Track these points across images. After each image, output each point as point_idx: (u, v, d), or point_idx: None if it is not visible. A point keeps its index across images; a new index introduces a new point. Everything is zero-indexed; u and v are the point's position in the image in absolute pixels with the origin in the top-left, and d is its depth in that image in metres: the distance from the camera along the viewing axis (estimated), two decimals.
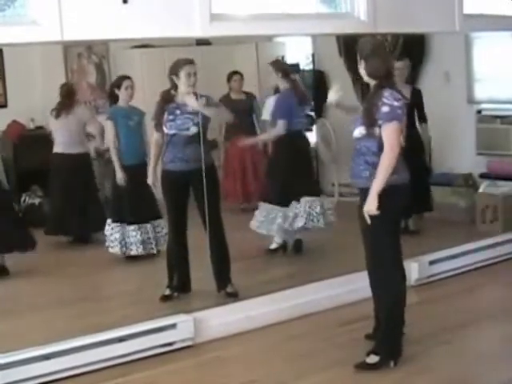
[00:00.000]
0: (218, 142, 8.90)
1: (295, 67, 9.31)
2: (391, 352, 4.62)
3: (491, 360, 4.75)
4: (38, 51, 8.64)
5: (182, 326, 5.11)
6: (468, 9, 6.43)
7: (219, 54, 9.58)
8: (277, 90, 7.27)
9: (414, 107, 6.93)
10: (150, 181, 6.08)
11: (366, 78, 4.57)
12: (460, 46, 8.28)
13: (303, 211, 6.78)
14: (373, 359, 4.60)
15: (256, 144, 8.75)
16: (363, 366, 4.60)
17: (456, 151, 8.47)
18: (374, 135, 4.42)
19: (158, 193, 6.17)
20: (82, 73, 9.58)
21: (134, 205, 6.99)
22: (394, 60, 5.00)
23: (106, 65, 9.72)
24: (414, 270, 6.13)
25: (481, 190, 7.83)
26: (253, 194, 8.64)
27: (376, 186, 4.37)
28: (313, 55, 9.77)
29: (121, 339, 4.90)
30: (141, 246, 7.01)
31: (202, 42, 9.20)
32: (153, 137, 5.96)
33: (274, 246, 7.07)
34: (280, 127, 6.69)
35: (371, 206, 4.38)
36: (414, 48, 8.37)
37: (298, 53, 10.20)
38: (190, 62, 5.66)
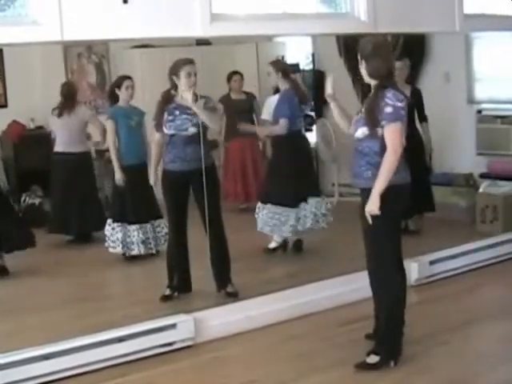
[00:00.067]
0: (219, 142, 8.90)
1: (295, 67, 9.31)
2: (391, 352, 4.62)
3: (491, 360, 4.76)
4: (37, 51, 8.64)
5: (182, 326, 5.11)
6: (468, 9, 6.43)
7: (219, 54, 9.59)
8: (277, 90, 7.27)
9: (414, 107, 6.93)
10: (151, 181, 6.10)
11: (366, 78, 4.56)
12: (460, 45, 8.28)
13: (309, 212, 6.81)
14: (373, 359, 4.60)
15: (256, 143, 8.78)
16: (363, 366, 4.60)
17: (456, 151, 8.47)
18: (377, 136, 4.42)
19: (159, 193, 6.17)
20: (82, 73, 9.58)
21: (135, 204, 6.99)
22: (394, 60, 4.98)
23: (106, 65, 9.72)
24: (413, 270, 6.13)
25: (481, 190, 7.82)
26: (253, 193, 8.64)
27: (378, 187, 4.37)
28: (313, 55, 9.78)
29: (121, 339, 4.90)
30: (142, 246, 7.02)
31: (202, 42, 9.20)
32: (153, 137, 5.97)
33: (273, 245, 7.06)
34: (282, 126, 6.69)
35: (373, 206, 4.38)
36: (414, 48, 8.37)
37: (298, 53, 10.20)
38: (190, 61, 5.66)
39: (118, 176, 6.98)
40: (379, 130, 4.40)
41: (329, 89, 4.78)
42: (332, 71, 9.34)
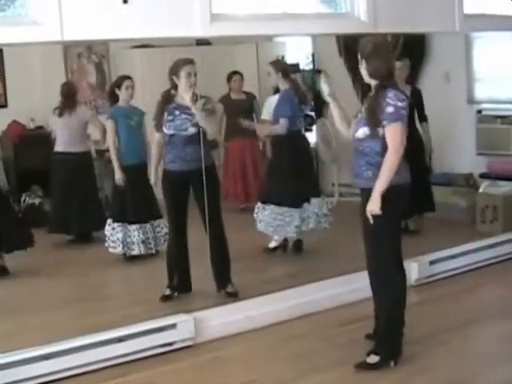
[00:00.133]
0: (219, 142, 8.90)
1: (295, 67, 9.31)
2: (391, 352, 4.62)
3: (491, 360, 4.76)
4: (38, 51, 8.64)
5: (182, 326, 5.11)
6: (468, 9, 6.43)
7: (219, 54, 9.59)
8: (277, 90, 7.27)
9: (414, 107, 6.93)
10: (152, 181, 6.10)
11: (366, 78, 4.56)
12: (460, 46, 8.29)
13: (312, 212, 6.82)
14: (373, 359, 4.60)
15: (256, 143, 8.78)
16: (363, 366, 4.60)
17: (456, 151, 8.47)
18: (378, 136, 4.41)
19: (159, 193, 6.18)
20: (82, 73, 9.58)
21: (135, 204, 7.00)
22: (394, 60, 4.98)
23: (106, 65, 9.72)
24: (413, 270, 6.13)
25: (481, 190, 7.82)
26: (253, 193, 8.64)
27: (379, 187, 4.37)
28: (313, 55, 9.78)
29: (120, 339, 4.90)
30: (142, 246, 7.02)
31: (202, 42, 9.20)
32: (153, 137, 5.97)
33: (273, 244, 7.06)
34: (282, 125, 6.69)
35: (374, 206, 4.38)
36: (414, 48, 8.37)
37: (298, 53, 10.20)
38: (190, 61, 5.66)
39: (118, 176, 6.98)
40: (380, 130, 4.40)
41: (326, 89, 4.78)
42: (332, 71, 9.37)
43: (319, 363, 4.78)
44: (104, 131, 7.38)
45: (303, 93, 7.01)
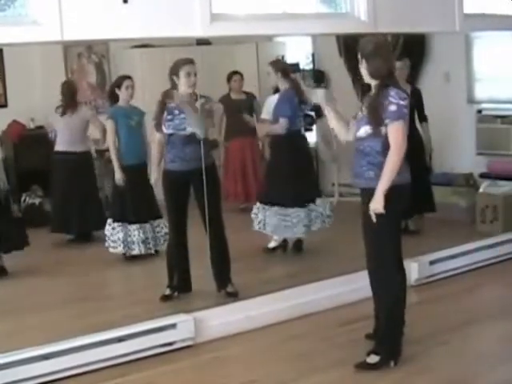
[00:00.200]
0: (219, 141, 8.89)
1: (295, 67, 9.31)
2: (391, 352, 4.62)
3: (491, 360, 4.76)
4: (37, 51, 8.64)
5: (182, 326, 5.11)
6: (468, 9, 6.43)
7: (219, 54, 9.59)
8: (277, 90, 7.27)
9: (414, 107, 6.93)
10: (153, 179, 6.10)
11: (367, 78, 4.56)
12: (460, 46, 8.29)
13: (318, 212, 6.87)
14: (373, 359, 4.60)
15: (256, 143, 8.77)
16: (363, 366, 4.60)
17: (456, 151, 8.47)
18: (380, 134, 4.42)
19: (159, 193, 6.17)
20: (82, 73, 9.58)
21: (135, 204, 7.00)
22: (395, 60, 4.98)
23: (106, 65, 9.72)
24: (413, 270, 6.13)
25: (481, 190, 7.82)
26: (253, 193, 8.63)
27: (382, 185, 4.37)
28: (313, 55, 9.79)
29: (120, 339, 4.90)
30: (142, 246, 7.03)
31: (202, 42, 9.20)
32: (153, 136, 5.97)
33: (272, 244, 7.06)
34: (282, 125, 6.69)
35: (377, 205, 4.38)
36: (414, 48, 8.37)
37: (298, 53, 10.20)
38: (190, 61, 5.66)
39: (118, 176, 6.99)
40: (383, 129, 4.40)
41: (322, 99, 4.79)
42: (332, 71, 9.46)
43: (319, 363, 4.78)
44: (104, 131, 7.39)
45: (303, 92, 7.00)
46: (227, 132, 8.75)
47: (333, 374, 4.61)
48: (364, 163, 4.52)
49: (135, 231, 7.00)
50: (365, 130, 4.48)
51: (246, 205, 8.72)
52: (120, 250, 7.02)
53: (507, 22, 6.84)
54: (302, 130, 7.13)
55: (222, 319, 5.32)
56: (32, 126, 9.08)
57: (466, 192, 8.11)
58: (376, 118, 4.41)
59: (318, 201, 6.90)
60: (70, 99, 7.69)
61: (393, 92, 4.41)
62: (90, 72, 9.67)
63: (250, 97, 9.02)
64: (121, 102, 7.03)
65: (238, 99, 8.87)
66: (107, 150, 7.39)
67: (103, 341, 4.84)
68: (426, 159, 7.50)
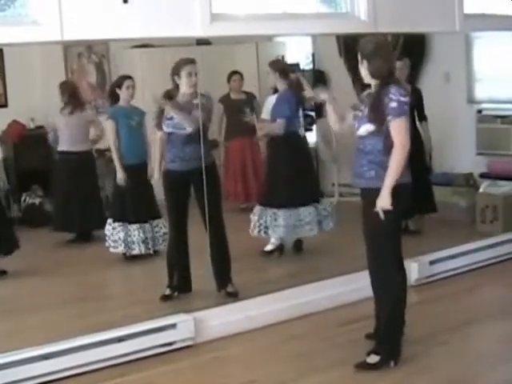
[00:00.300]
0: (219, 141, 8.90)
1: (295, 67, 9.31)
2: (391, 352, 4.62)
3: (491, 360, 4.76)
4: (37, 51, 8.62)
5: (182, 326, 5.11)
6: (468, 9, 6.43)
7: (219, 54, 9.57)
8: (276, 90, 7.27)
9: (415, 107, 6.93)
10: (155, 176, 6.10)
11: (367, 78, 4.56)
12: (460, 46, 8.28)
13: (327, 211, 6.93)
14: (373, 359, 4.60)
15: (256, 143, 8.76)
16: (363, 366, 4.60)
17: (456, 151, 8.47)
18: (382, 132, 4.41)
19: (159, 193, 6.18)
20: (82, 72, 9.57)
21: (136, 204, 7.01)
22: (395, 60, 4.97)
23: (106, 64, 9.71)
24: (413, 270, 6.13)
25: (481, 190, 7.82)
26: (253, 193, 8.63)
27: (388, 183, 4.37)
28: (313, 55, 9.77)
29: (120, 339, 4.90)
30: (142, 246, 7.03)
31: (203, 42, 9.18)
32: (153, 136, 5.99)
33: (269, 247, 7.04)
34: (279, 125, 6.69)
35: (384, 202, 4.38)
36: (414, 48, 8.36)
37: (298, 53, 10.19)
38: (191, 61, 5.67)
39: (120, 176, 6.99)
40: (383, 127, 4.40)
41: (325, 97, 4.78)
42: (332, 71, 9.46)
43: (319, 363, 4.78)
44: (101, 131, 7.41)
45: (302, 93, 7.01)
46: (227, 132, 8.82)
47: (333, 373, 4.61)
48: (365, 162, 4.51)
49: (135, 231, 7.00)
50: (366, 129, 4.48)
51: (246, 205, 8.71)
52: (121, 249, 7.03)
53: (507, 22, 6.84)
54: (302, 130, 7.13)
55: (222, 319, 5.32)
56: (32, 125, 9.06)
57: (465, 192, 8.11)
58: (377, 116, 4.41)
59: (324, 200, 6.95)
60: (75, 99, 7.74)
61: (393, 89, 4.41)
62: (90, 72, 9.66)
63: (250, 97, 9.02)
64: (121, 102, 7.03)
65: (238, 99, 8.87)
66: (107, 149, 7.40)
67: (103, 341, 4.84)
68: (426, 159, 7.50)
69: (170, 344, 5.07)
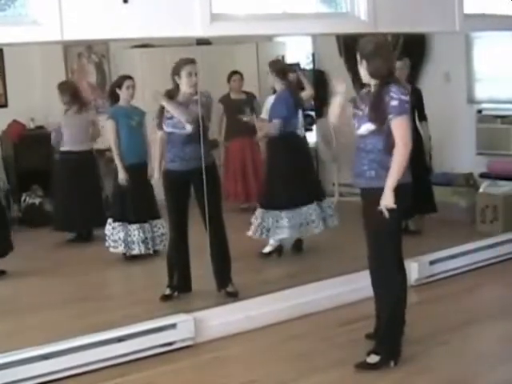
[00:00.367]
0: (219, 141, 8.90)
1: (296, 66, 9.31)
2: (391, 352, 4.62)
3: (491, 360, 4.76)
4: (37, 51, 8.63)
5: (182, 326, 5.11)
6: (468, 9, 6.43)
7: (219, 54, 9.58)
8: (276, 90, 7.27)
9: (415, 106, 6.93)
10: (155, 177, 6.11)
11: (366, 78, 4.55)
12: (460, 46, 8.28)
13: (330, 209, 6.96)
14: (373, 359, 4.60)
15: (256, 143, 8.76)
16: (363, 366, 4.60)
17: (456, 151, 8.47)
18: (383, 131, 4.41)
19: (159, 193, 6.18)
20: (82, 72, 9.58)
21: (136, 204, 7.01)
22: (395, 60, 4.97)
23: (106, 64, 9.72)
24: (413, 270, 6.13)
25: (481, 190, 7.82)
26: (253, 193, 8.64)
27: (391, 182, 4.36)
28: (313, 55, 9.77)
29: (120, 339, 4.90)
30: (142, 246, 7.03)
31: (203, 42, 9.19)
32: (153, 136, 6.00)
33: (268, 249, 7.03)
34: (275, 125, 6.71)
35: (388, 201, 4.38)
36: (414, 48, 8.36)
37: (298, 52, 10.19)
38: (191, 61, 5.68)
39: (122, 176, 6.99)
40: (384, 126, 4.40)
41: (341, 89, 4.73)
42: (332, 71, 9.45)
43: (319, 363, 4.78)
44: (98, 130, 7.45)
45: (300, 93, 7.01)
46: (227, 132, 8.83)
47: (333, 373, 4.61)
48: (365, 162, 4.50)
49: (135, 231, 7.01)
50: (366, 128, 4.47)
51: (246, 205, 8.73)
52: (120, 249, 7.03)
53: (507, 22, 6.84)
54: (301, 130, 7.13)
55: (222, 319, 5.32)
56: (32, 125, 9.07)
57: (466, 192, 8.11)
58: (378, 116, 4.40)
59: (326, 200, 7.00)
60: (78, 98, 7.81)
61: (394, 88, 4.41)
62: (90, 72, 9.67)
63: (250, 97, 9.02)
64: (121, 102, 7.03)
65: (238, 99, 8.87)
66: (107, 149, 7.41)
67: (103, 341, 4.84)
68: (427, 159, 7.50)
69: (170, 344, 5.07)
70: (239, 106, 8.62)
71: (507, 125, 8.08)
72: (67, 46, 9.15)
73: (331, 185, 9.35)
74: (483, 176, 8.14)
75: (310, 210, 6.81)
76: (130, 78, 7.05)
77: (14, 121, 8.92)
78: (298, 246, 7.10)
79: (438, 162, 8.21)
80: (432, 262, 6.32)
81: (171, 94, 5.73)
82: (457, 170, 8.32)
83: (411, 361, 4.66)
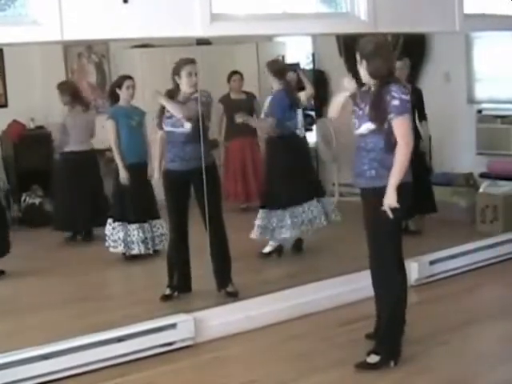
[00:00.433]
0: (219, 141, 8.90)
1: (296, 66, 9.31)
2: (391, 352, 4.62)
3: (491, 360, 4.76)
4: (37, 51, 8.62)
5: (182, 326, 5.11)
6: (468, 9, 6.43)
7: (219, 54, 9.57)
8: None
9: (415, 106, 6.92)
10: (155, 177, 6.11)
11: (365, 78, 4.55)
12: (460, 46, 8.28)
13: (331, 205, 7.01)
14: (373, 359, 4.60)
15: (256, 143, 8.77)
16: (363, 366, 4.60)
17: (456, 151, 8.47)
18: (383, 130, 4.41)
19: (159, 193, 6.18)
20: (82, 72, 9.58)
21: (136, 204, 7.01)
22: (395, 60, 4.96)
23: (106, 64, 9.71)
24: (413, 270, 6.13)
25: (481, 190, 7.82)
26: (253, 193, 8.64)
27: (393, 181, 4.36)
28: (313, 55, 9.77)
29: (120, 339, 4.90)
30: (142, 246, 7.03)
31: (203, 42, 9.17)
32: (153, 136, 6.01)
33: (267, 249, 7.03)
34: (268, 123, 6.75)
35: (391, 200, 4.37)
36: (414, 48, 8.36)
37: (298, 52, 10.20)
38: (191, 61, 5.69)
39: (123, 175, 6.99)
40: (385, 125, 4.39)
41: (351, 86, 4.70)
42: (332, 71, 9.45)
43: (319, 363, 4.78)
44: (93, 131, 7.64)
45: (296, 94, 7.02)
46: (227, 132, 8.82)
47: (333, 373, 4.61)
48: (366, 161, 4.50)
49: (135, 231, 7.01)
50: (366, 127, 4.47)
51: (246, 205, 8.73)
52: (120, 249, 7.03)
53: (507, 22, 6.84)
54: (301, 130, 7.13)
55: (222, 319, 5.32)
56: (32, 125, 9.06)
57: (466, 192, 8.11)
58: (379, 115, 4.40)
59: (324, 198, 7.02)
60: (80, 98, 7.85)
61: (394, 87, 4.41)
62: (90, 72, 9.66)
63: (250, 97, 9.02)
64: (121, 102, 7.04)
65: (238, 99, 8.87)
66: (107, 149, 7.42)
67: (103, 341, 4.84)
68: (427, 159, 7.50)
69: (170, 344, 5.07)
70: (239, 106, 8.60)
71: (507, 125, 8.08)
72: (67, 46, 9.14)
73: (331, 185, 9.35)
74: (483, 176, 8.14)
75: (312, 207, 6.82)
76: (129, 78, 7.05)
77: (14, 121, 8.91)
78: (298, 245, 7.10)
79: (438, 162, 8.21)
80: (432, 262, 6.33)
81: (171, 94, 5.74)
82: (457, 170, 8.32)
83: (411, 361, 4.66)
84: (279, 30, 5.99)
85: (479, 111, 8.36)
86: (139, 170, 6.99)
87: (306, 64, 9.98)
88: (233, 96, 8.92)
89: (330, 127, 8.97)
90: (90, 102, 8.03)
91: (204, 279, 5.85)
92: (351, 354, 4.75)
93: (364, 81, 4.58)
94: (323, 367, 4.71)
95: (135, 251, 7.03)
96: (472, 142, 8.32)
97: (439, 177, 8.16)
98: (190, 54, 6.00)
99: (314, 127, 9.37)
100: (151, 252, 7.09)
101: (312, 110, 8.92)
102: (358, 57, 4.55)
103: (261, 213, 6.91)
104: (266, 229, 6.85)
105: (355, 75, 4.73)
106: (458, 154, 8.46)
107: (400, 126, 4.39)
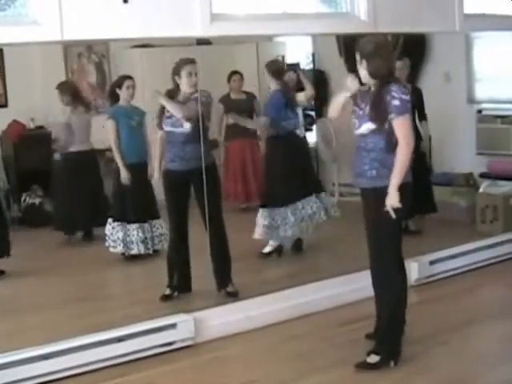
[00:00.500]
0: (219, 141, 8.91)
1: (296, 66, 9.31)
2: (391, 352, 4.62)
3: (491, 360, 4.76)
4: (37, 51, 8.63)
5: (182, 326, 5.11)
6: (468, 9, 6.43)
7: (220, 54, 9.57)
8: None
9: (415, 106, 6.92)
10: (155, 177, 6.12)
11: (365, 78, 4.55)
12: (460, 46, 8.28)
13: (329, 202, 7.06)
14: (373, 359, 4.60)
15: (256, 143, 8.77)
16: (363, 366, 4.60)
17: (456, 151, 8.47)
18: (383, 130, 4.41)
19: (159, 193, 6.18)
20: (82, 72, 9.58)
21: (136, 204, 7.02)
22: (395, 60, 4.96)
23: (106, 64, 9.71)
24: (413, 270, 6.13)
25: (481, 190, 7.82)
26: (253, 193, 8.64)
27: (395, 181, 4.36)
28: (313, 55, 9.77)
29: (120, 339, 4.90)
30: (141, 246, 7.03)
31: (203, 42, 9.18)
32: (153, 136, 6.01)
33: (267, 249, 7.03)
34: (262, 122, 6.82)
35: (393, 200, 4.37)
36: (414, 48, 8.36)
37: (298, 52, 10.20)
38: (191, 61, 5.69)
39: (124, 175, 6.99)
40: (386, 125, 4.39)
41: (354, 85, 4.69)
42: (332, 71, 9.45)
43: (319, 363, 4.78)
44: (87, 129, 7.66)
45: (293, 94, 7.03)
46: (227, 132, 8.82)
47: (333, 373, 4.61)
48: (366, 161, 4.50)
49: (134, 231, 7.01)
50: (367, 127, 4.47)
51: (246, 205, 8.74)
52: (119, 249, 7.03)
53: (507, 22, 6.84)
54: (301, 130, 7.13)
55: (222, 319, 5.32)
56: (32, 125, 9.07)
57: (466, 192, 8.11)
58: (379, 115, 4.40)
59: (322, 194, 7.02)
60: (81, 98, 7.86)
61: (394, 87, 4.41)
62: (90, 72, 9.67)
63: (250, 97, 9.02)
64: (121, 102, 7.04)
65: (238, 99, 8.87)
66: (107, 149, 7.42)
67: (103, 341, 4.84)
68: (427, 159, 7.50)
69: (170, 344, 5.07)
70: (239, 106, 8.61)
71: (507, 125, 8.08)
72: (67, 46, 9.14)
73: (331, 185, 9.36)
74: (483, 176, 8.14)
75: (311, 203, 6.82)
76: (130, 78, 7.06)
77: (14, 121, 8.91)
78: (298, 245, 7.10)
79: (438, 162, 8.21)
80: (432, 262, 6.33)
81: (171, 94, 5.74)
82: (457, 170, 8.32)
83: (411, 361, 4.66)
84: (279, 30, 6.00)
85: (479, 111, 8.36)
86: (139, 169, 6.99)
87: (306, 64, 9.98)
88: (233, 96, 8.91)
89: (330, 127, 8.98)
90: (90, 102, 8.01)
91: (204, 279, 5.85)
92: (351, 353, 4.75)
93: (364, 81, 4.58)
94: (323, 367, 4.71)
95: (134, 251, 7.03)
96: (472, 141, 8.32)
97: (439, 177, 8.16)
98: (189, 54, 6.00)
99: (314, 127, 9.38)
100: (151, 252, 7.10)
101: (312, 110, 8.92)
102: (357, 57, 4.55)
103: (262, 212, 6.91)
104: (270, 227, 6.85)
105: (355, 75, 4.73)
106: (458, 153, 8.46)
107: (401, 126, 4.39)
